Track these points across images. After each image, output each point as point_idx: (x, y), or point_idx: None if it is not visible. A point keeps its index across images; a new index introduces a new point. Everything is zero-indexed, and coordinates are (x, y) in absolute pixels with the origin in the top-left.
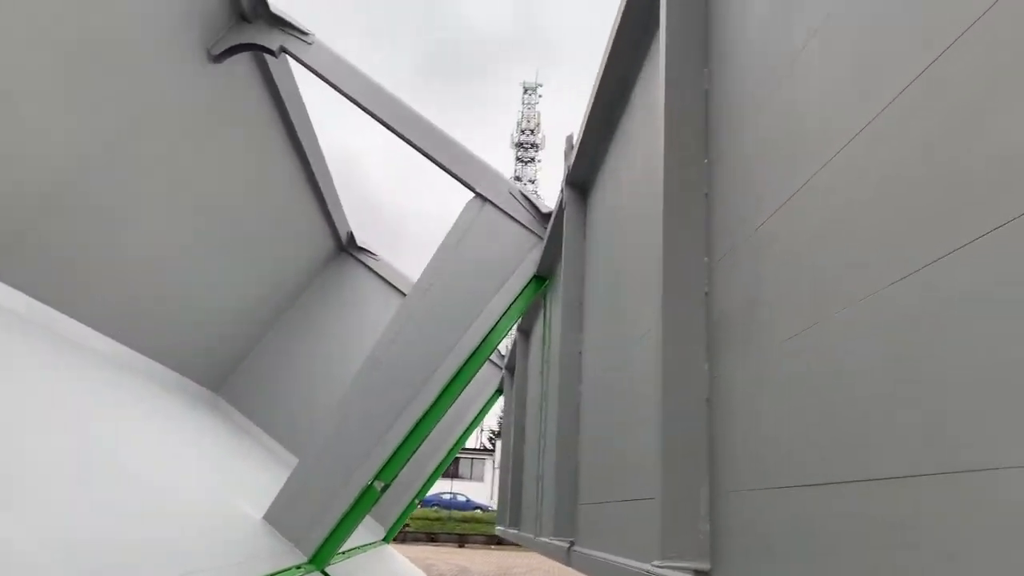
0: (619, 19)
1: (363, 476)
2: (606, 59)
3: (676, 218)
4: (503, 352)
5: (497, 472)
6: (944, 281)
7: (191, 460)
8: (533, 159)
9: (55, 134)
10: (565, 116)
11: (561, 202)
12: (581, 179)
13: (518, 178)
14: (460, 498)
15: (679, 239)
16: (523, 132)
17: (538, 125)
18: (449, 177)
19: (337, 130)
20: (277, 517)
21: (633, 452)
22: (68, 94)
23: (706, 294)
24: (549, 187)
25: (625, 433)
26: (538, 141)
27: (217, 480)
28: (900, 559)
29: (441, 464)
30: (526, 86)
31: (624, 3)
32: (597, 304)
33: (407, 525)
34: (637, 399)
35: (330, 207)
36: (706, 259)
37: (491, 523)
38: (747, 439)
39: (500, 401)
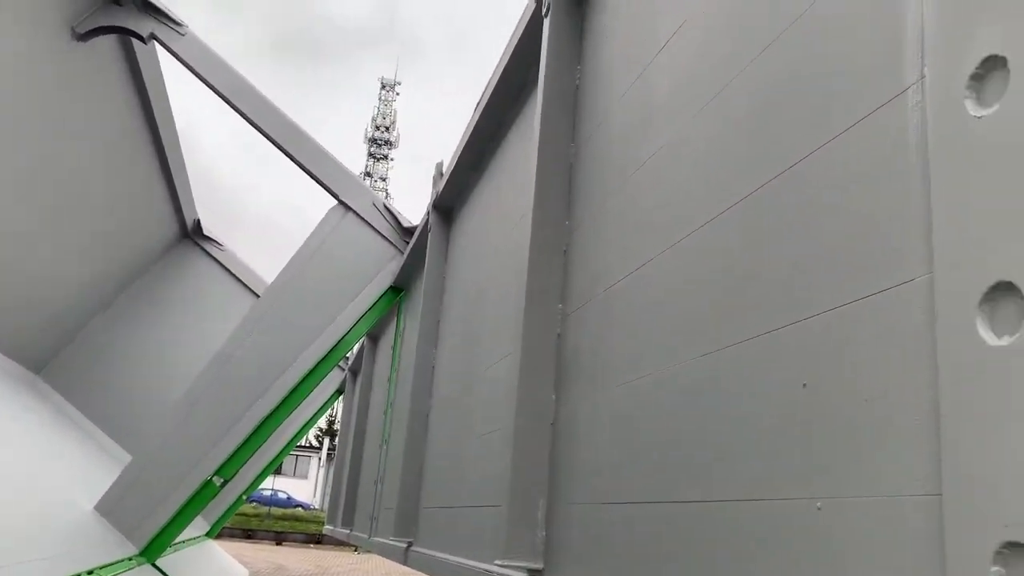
0: (499, 73)
1: (203, 471)
2: (483, 105)
3: (538, 268)
4: (347, 355)
5: (322, 470)
6: (739, 362)
7: (14, 445)
8: (386, 156)
9: None
10: (422, 116)
11: (427, 223)
12: (447, 205)
13: (368, 174)
14: (281, 495)
15: (539, 287)
16: (378, 128)
17: (393, 123)
18: (296, 167)
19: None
20: (109, 508)
21: (478, 464)
22: None
23: (559, 336)
24: (399, 186)
25: (471, 446)
26: (392, 139)
27: (42, 467)
28: (698, 564)
29: (273, 461)
30: (384, 82)
31: (506, 59)
32: (453, 323)
33: None
34: (486, 416)
35: (179, 194)
36: (561, 306)
37: (312, 522)
38: (582, 461)
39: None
